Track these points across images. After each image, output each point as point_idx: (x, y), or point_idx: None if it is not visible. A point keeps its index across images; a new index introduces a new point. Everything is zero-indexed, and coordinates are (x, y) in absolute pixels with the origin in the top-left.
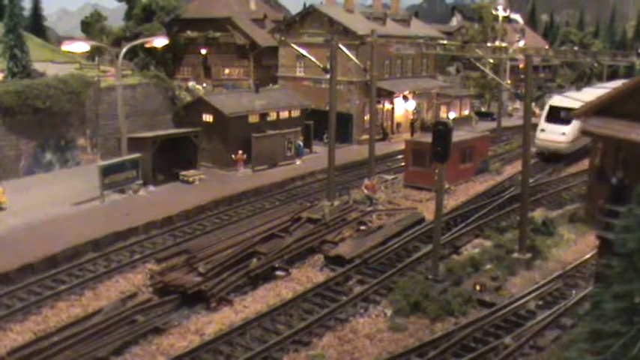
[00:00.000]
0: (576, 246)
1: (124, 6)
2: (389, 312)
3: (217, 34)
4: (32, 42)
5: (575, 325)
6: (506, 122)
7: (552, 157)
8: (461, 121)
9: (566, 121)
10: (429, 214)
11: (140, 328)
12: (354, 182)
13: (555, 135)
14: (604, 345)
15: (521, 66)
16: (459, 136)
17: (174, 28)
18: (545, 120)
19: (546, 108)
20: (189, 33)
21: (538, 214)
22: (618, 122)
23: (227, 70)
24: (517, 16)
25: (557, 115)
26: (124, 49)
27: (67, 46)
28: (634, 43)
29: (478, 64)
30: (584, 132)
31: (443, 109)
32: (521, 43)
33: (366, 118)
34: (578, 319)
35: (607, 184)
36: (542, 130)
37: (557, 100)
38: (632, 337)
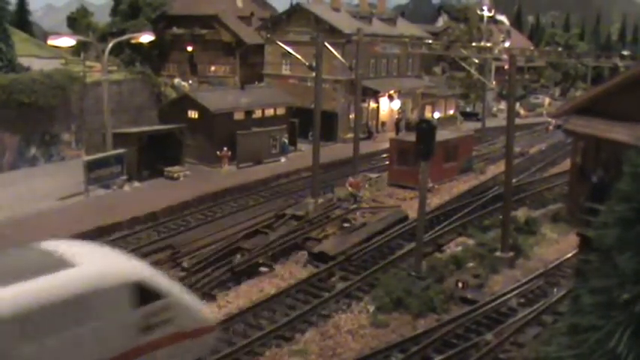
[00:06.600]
0: (558, 245)
1: (110, 2)
2: (371, 308)
3: (204, 31)
4: (17, 37)
5: (555, 322)
6: (490, 122)
7: None
8: (446, 121)
9: None
10: (412, 213)
11: None
12: (339, 180)
13: None
14: (581, 339)
15: (506, 67)
16: (443, 135)
17: (160, 25)
18: None
19: None
20: (175, 30)
21: (521, 214)
22: (599, 121)
23: (213, 68)
24: (503, 17)
25: None
26: (110, 45)
27: (52, 41)
28: (618, 45)
29: (463, 64)
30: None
31: (428, 108)
32: (507, 44)
33: (351, 116)
34: (558, 316)
35: (588, 183)
36: None
37: None
38: (608, 331)
